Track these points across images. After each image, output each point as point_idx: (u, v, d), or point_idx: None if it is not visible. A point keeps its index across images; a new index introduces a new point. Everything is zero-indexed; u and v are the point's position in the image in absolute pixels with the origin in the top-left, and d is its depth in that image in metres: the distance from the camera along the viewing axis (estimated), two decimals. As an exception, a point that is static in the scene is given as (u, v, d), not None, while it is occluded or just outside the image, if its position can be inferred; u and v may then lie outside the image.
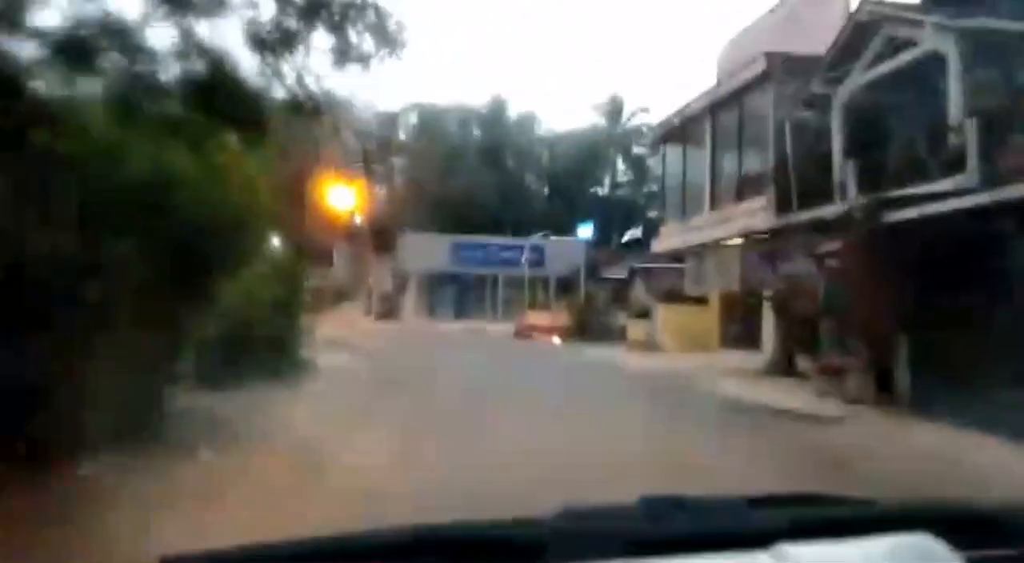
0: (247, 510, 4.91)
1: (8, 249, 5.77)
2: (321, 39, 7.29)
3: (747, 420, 10.19)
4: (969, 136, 10.88)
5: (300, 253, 20.62)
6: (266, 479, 6.12)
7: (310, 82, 7.43)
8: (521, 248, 34.48)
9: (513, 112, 58.29)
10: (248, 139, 7.92)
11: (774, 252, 12.81)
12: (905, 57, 12.90)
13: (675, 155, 21.63)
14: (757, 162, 17.76)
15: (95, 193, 6.33)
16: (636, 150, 59.00)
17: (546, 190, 60.20)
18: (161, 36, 6.68)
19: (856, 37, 13.83)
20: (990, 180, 9.89)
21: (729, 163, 19.21)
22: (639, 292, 23.58)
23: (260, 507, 5.04)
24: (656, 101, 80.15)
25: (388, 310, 37.27)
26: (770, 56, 16.10)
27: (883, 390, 10.63)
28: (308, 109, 7.81)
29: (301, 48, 7.27)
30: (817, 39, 14.53)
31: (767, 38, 16.77)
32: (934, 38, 11.99)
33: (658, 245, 21.94)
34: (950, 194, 10.08)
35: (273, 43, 7.10)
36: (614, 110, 59.38)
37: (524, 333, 31.09)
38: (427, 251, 36.74)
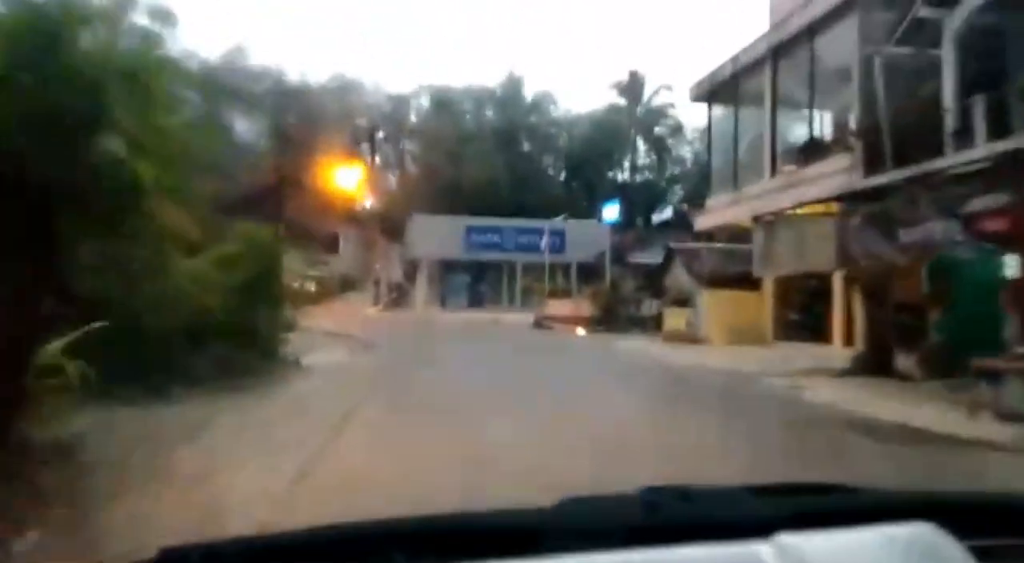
0: None
1: None
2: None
3: (883, 448, 6.96)
4: None
5: (278, 231, 17.44)
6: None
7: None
8: (540, 232, 31.29)
9: (529, 92, 54.97)
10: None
11: (889, 218, 9.58)
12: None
13: (723, 115, 18.31)
14: (833, 114, 14.49)
15: None
16: (658, 130, 55.88)
17: (563, 174, 56.98)
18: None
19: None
20: None
21: (795, 119, 15.93)
22: (678, 277, 20.32)
23: None
24: (679, 78, 76.11)
25: (397, 299, 34.19)
26: (853, -20, 12.79)
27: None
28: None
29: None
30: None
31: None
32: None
33: (703, 221, 18.66)
34: None
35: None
36: (635, 89, 56.02)
37: (544, 323, 27.90)
38: (438, 236, 33.55)
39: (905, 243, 9.23)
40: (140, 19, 6.26)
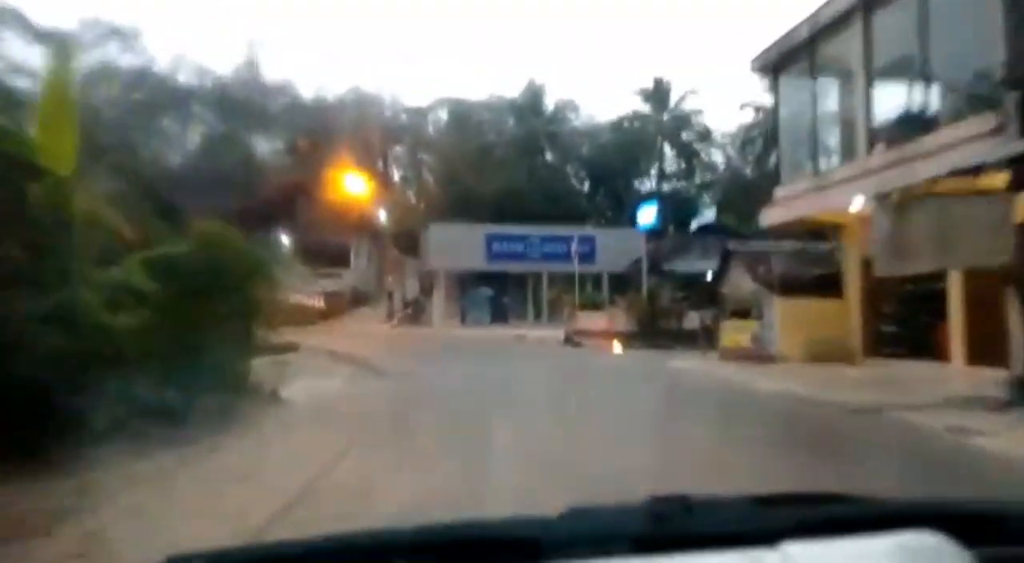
0: None
1: None
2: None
3: None
4: None
5: (248, 228, 14.32)
6: None
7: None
8: (568, 240, 27.98)
9: (550, 100, 52.09)
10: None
11: None
12: None
13: (796, 88, 14.94)
14: (952, 73, 11.15)
15: None
16: (686, 136, 52.80)
17: (587, 184, 53.89)
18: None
19: None
20: None
21: (893, 85, 12.58)
22: (738, 283, 16.90)
23: None
24: (705, 82, 72.53)
25: (412, 315, 31.00)
26: None
27: None
28: None
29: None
30: None
31: None
32: None
33: (772, 216, 15.25)
34: None
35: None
36: (660, 95, 53.03)
37: (575, 340, 24.54)
38: (457, 246, 30.35)
39: None
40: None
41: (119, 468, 6.17)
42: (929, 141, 11.00)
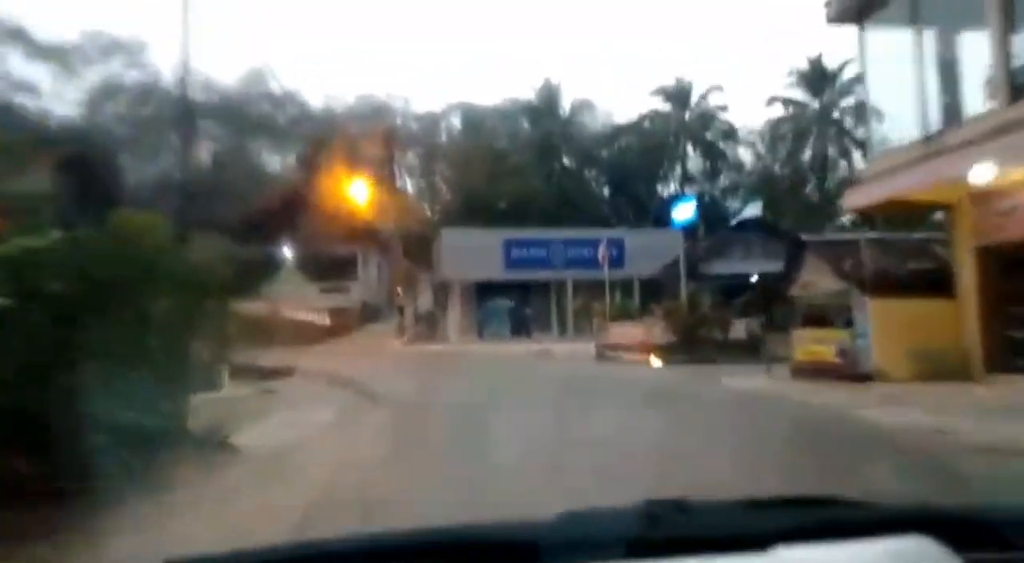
0: None
1: None
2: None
3: None
4: None
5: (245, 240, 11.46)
6: None
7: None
8: (595, 243, 24.83)
9: (566, 101, 49.30)
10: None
11: None
12: None
13: (889, 41, 11.75)
14: None
15: None
16: (709, 135, 49.79)
17: (606, 189, 50.86)
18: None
19: None
20: None
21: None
22: (813, 283, 13.65)
23: None
24: (730, 78, 68.98)
25: (425, 330, 28.02)
26: None
27: None
28: None
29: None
30: None
31: None
32: None
33: (862, 196, 12.07)
34: None
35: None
36: (681, 93, 50.12)
37: (608, 354, 21.42)
38: (473, 253, 27.29)
39: None
40: None
41: None
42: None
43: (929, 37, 11.43)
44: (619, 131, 50.75)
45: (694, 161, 50.84)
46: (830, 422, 9.28)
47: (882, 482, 5.95)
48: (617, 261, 25.80)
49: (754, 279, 25.07)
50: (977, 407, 9.15)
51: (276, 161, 43.34)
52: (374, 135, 40.99)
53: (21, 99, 43.03)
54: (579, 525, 1.00)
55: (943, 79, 11.11)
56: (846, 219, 40.98)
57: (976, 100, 10.28)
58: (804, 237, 15.12)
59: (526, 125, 49.92)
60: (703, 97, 50.00)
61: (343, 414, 12.10)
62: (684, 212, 22.57)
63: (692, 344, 21.14)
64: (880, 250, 12.80)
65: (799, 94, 49.04)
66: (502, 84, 69.13)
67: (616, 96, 74.99)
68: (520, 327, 27.43)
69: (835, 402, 10.25)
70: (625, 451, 7.32)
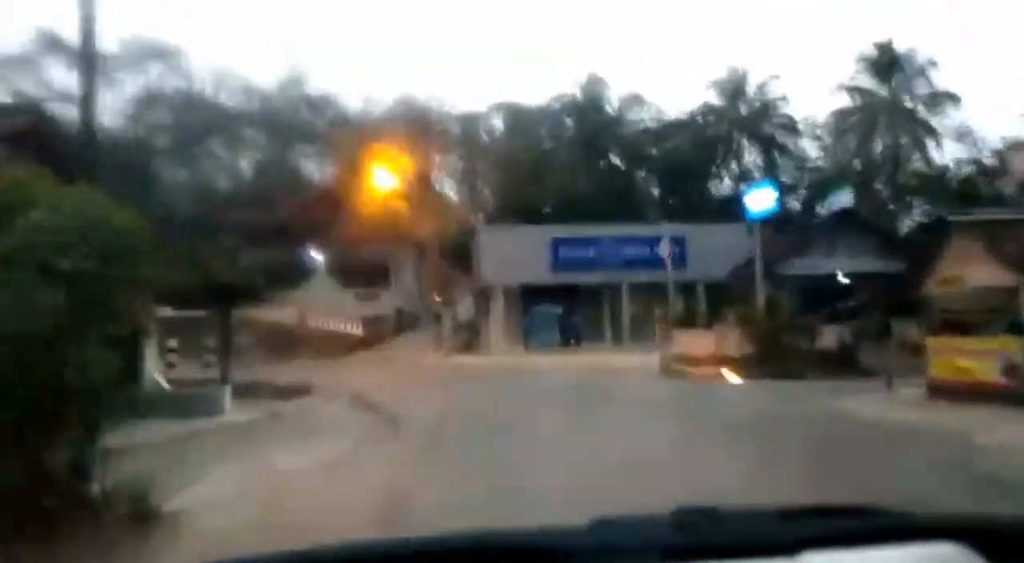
0: None
1: None
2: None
3: None
4: None
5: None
6: None
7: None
8: (653, 241, 21.54)
9: (614, 96, 46.09)
10: None
11: None
12: None
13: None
14: None
15: None
16: (767, 129, 46.08)
17: (656, 189, 47.41)
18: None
19: None
20: None
21: None
22: (966, 273, 10.23)
23: None
24: (790, 66, 64.16)
25: (465, 341, 25.11)
26: None
27: None
28: None
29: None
30: None
31: None
32: None
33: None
34: None
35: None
36: (736, 85, 46.48)
37: (675, 367, 18.19)
38: (517, 253, 24.22)
39: None
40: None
41: None
42: None
43: None
44: (670, 127, 47.31)
45: (751, 156, 47.31)
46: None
47: None
48: (679, 261, 22.51)
49: (842, 279, 21.52)
50: None
51: (313, 165, 41.46)
52: (412, 136, 38.59)
53: (60, 108, 42.02)
54: (610, 532, 0.98)
55: None
56: (920, 213, 37.12)
57: None
58: (951, 217, 11.61)
59: (571, 123, 46.94)
60: (760, 88, 46.40)
61: (351, 452, 9.24)
62: (762, 201, 19.10)
63: (774, 356, 17.76)
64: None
65: (867, 82, 44.91)
66: (546, 81, 66.06)
67: (667, 90, 70.75)
68: (570, 336, 24.22)
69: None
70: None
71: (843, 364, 17.83)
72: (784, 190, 45.75)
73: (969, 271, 10.13)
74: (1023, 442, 7.49)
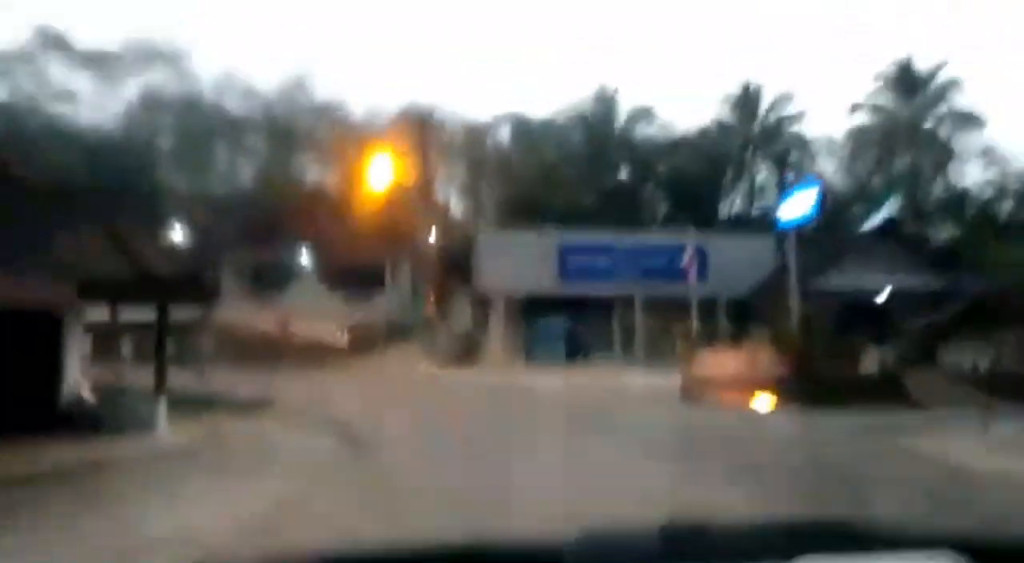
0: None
1: None
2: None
3: None
4: None
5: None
6: None
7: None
8: (671, 251, 19.05)
9: (623, 110, 44.07)
10: None
11: None
12: None
13: None
14: None
15: None
16: (778, 148, 44.02)
17: (664, 207, 45.11)
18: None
19: None
20: None
21: None
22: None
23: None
24: (804, 86, 62.03)
25: (462, 353, 22.49)
26: None
27: None
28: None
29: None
30: None
31: None
32: None
33: None
34: None
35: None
36: (749, 102, 44.55)
37: (697, 392, 15.60)
38: (520, 260, 21.73)
39: None
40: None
41: None
42: None
43: None
44: (680, 143, 45.16)
45: (763, 174, 45.26)
46: None
47: None
48: (699, 273, 19.97)
49: (881, 298, 19.01)
50: None
51: (313, 170, 39.29)
52: (414, 141, 36.34)
53: (60, 109, 40.07)
54: (600, 543, 0.96)
55: None
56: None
57: None
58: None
59: (579, 136, 44.87)
60: (773, 106, 44.47)
61: (294, 499, 6.63)
62: (798, 206, 16.56)
63: (811, 381, 15.21)
64: None
65: (887, 100, 42.85)
66: (555, 94, 63.89)
67: (677, 105, 68.42)
68: (576, 352, 21.57)
69: None
70: None
71: (888, 393, 15.30)
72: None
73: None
74: None
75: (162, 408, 10.45)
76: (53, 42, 39.39)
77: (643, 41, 58.13)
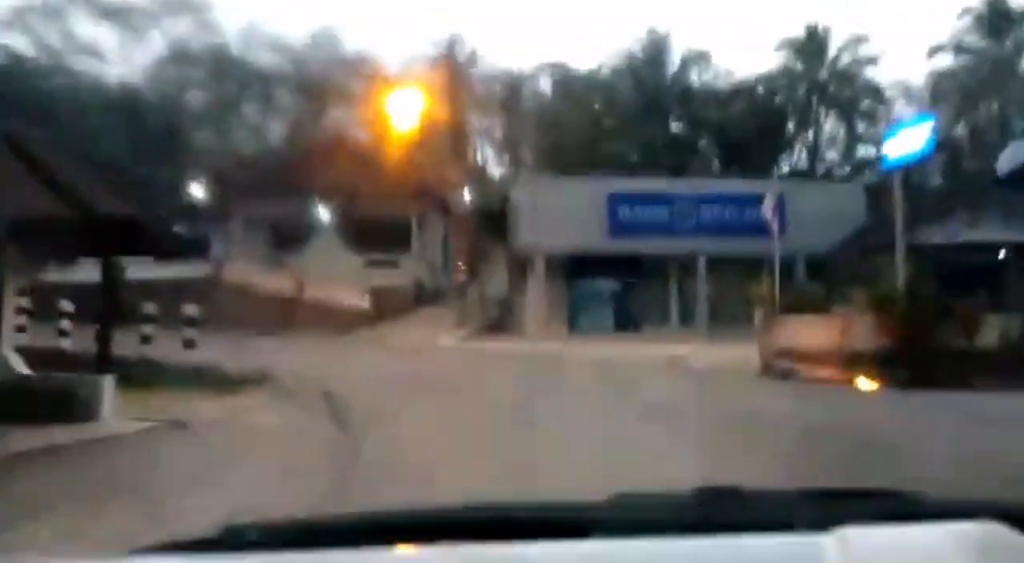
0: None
1: None
2: None
3: None
4: None
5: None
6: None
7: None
8: (744, 200, 15.93)
9: (676, 55, 40.51)
10: None
11: None
12: None
13: None
14: None
15: None
16: (848, 94, 40.17)
17: (719, 162, 41.59)
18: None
19: None
20: None
21: None
22: None
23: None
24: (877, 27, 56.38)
25: (495, 320, 19.86)
26: None
27: None
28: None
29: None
30: None
31: None
32: None
33: None
34: None
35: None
36: (815, 46, 40.66)
37: (783, 366, 12.77)
38: (565, 214, 18.74)
39: None
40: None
41: None
42: None
43: None
44: (738, 91, 41.57)
45: (831, 124, 41.46)
46: None
47: None
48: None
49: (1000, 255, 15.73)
50: None
51: (343, 123, 37.09)
52: (447, 88, 33.56)
53: (85, 64, 38.81)
54: (631, 506, 0.98)
55: None
56: None
57: None
58: None
59: (627, 85, 41.58)
60: (843, 49, 40.44)
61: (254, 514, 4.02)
62: (909, 141, 13.27)
63: (922, 354, 12.27)
64: None
65: (974, 40, 38.39)
66: (600, 38, 59.29)
67: (734, 50, 63.06)
68: (627, 320, 18.62)
69: None
70: None
71: (1015, 370, 12.26)
72: (859, 167, 39.65)
73: None
74: None
75: (106, 390, 8.11)
76: (77, -6, 37.81)
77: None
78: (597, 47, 60.52)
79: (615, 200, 19.63)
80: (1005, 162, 15.93)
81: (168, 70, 40.20)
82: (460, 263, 20.34)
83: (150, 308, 12.29)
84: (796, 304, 13.62)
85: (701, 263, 19.10)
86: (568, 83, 41.36)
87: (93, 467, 6.29)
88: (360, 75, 36.34)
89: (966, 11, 37.76)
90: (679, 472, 5.21)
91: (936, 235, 16.16)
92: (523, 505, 1.01)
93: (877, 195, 18.94)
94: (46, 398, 7.85)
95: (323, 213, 23.02)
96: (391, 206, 22.16)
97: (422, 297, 21.73)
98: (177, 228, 25.26)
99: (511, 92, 41.96)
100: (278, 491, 5.11)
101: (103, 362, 8.36)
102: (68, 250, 9.32)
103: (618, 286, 19.20)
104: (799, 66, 40.15)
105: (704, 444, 6.44)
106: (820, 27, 40.33)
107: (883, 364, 12.35)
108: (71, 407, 7.79)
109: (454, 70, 37.26)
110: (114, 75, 38.94)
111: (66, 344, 12.59)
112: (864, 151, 40.79)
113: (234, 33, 47.02)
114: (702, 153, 40.41)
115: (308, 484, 5.27)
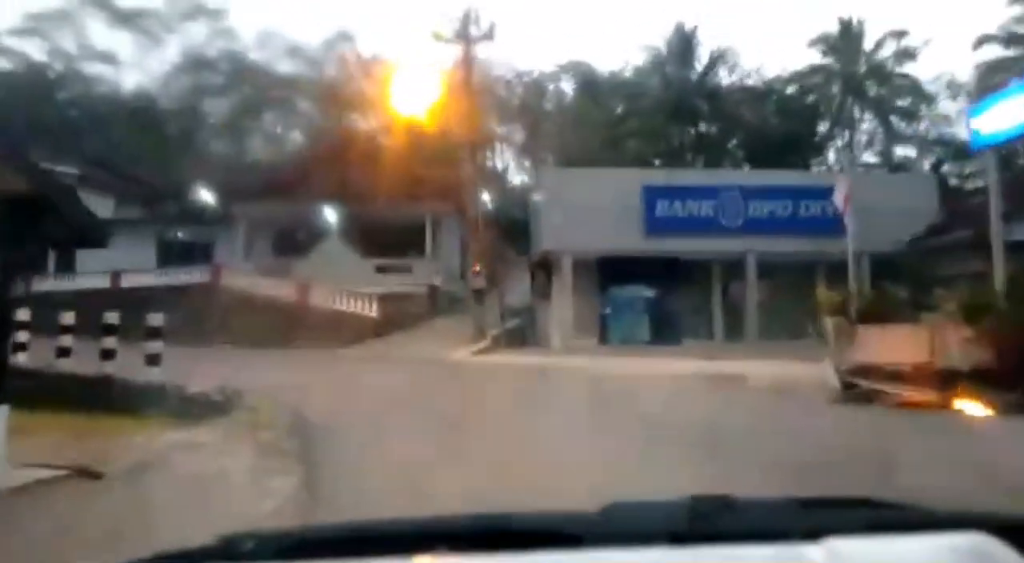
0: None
1: None
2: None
3: None
4: None
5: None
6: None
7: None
8: (804, 193, 13.64)
9: (704, 52, 38.68)
10: None
11: None
12: None
13: None
14: None
15: None
16: (882, 91, 38.11)
17: (749, 164, 39.30)
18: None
19: None
20: None
21: None
22: None
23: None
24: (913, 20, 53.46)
25: (516, 331, 17.72)
26: None
27: None
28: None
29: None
30: None
31: None
32: None
33: None
34: None
35: None
36: (849, 42, 38.76)
37: (863, 386, 10.45)
38: (594, 211, 16.47)
39: None
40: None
41: None
42: None
43: None
44: (766, 90, 39.78)
45: (867, 123, 39.38)
46: None
47: None
48: (831, 223, 14.58)
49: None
50: None
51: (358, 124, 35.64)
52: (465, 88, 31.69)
53: (101, 70, 37.99)
54: (624, 516, 0.97)
55: None
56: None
57: None
58: None
59: (653, 83, 39.82)
60: (878, 45, 38.47)
61: None
62: (1001, 117, 10.94)
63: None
64: None
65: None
66: (625, 35, 56.92)
67: (765, 48, 60.28)
68: (666, 330, 16.25)
69: None
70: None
71: None
72: (895, 168, 37.22)
73: None
74: None
75: None
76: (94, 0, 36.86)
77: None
78: (621, 46, 58.42)
79: (652, 194, 17.29)
80: None
81: (181, 78, 39.31)
82: (478, 267, 18.25)
83: (112, 318, 10.39)
84: (875, 311, 11.26)
85: (751, 264, 16.67)
86: (591, 83, 39.93)
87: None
88: (375, 78, 34.85)
89: (1015, -1, 35.10)
90: None
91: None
92: (516, 515, 0.99)
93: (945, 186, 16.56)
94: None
95: (332, 216, 21.13)
96: (404, 207, 20.17)
97: (438, 305, 19.65)
98: (181, 234, 23.79)
99: (532, 92, 40.43)
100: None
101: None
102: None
103: (655, 292, 16.88)
104: (833, 62, 38.18)
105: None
106: (855, 21, 38.36)
107: (986, 383, 10.05)
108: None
109: (469, 54, 35.84)
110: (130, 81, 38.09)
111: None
112: (902, 151, 38.61)
113: (250, 38, 45.78)
114: (731, 153, 38.35)
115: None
